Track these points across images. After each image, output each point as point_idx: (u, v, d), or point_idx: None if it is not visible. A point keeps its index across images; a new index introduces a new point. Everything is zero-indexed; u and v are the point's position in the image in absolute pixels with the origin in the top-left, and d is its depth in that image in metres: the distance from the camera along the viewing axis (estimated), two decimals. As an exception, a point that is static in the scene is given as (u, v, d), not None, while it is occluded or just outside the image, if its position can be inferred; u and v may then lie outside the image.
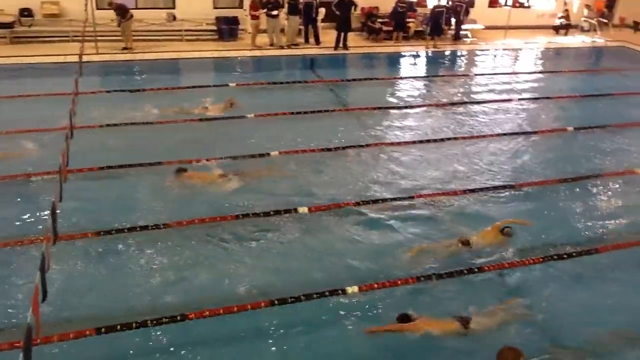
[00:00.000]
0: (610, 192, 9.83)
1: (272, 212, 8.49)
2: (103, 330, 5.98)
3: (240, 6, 18.74)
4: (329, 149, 10.75)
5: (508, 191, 9.55)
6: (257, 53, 17.28)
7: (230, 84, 14.12)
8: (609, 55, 19.84)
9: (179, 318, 6.28)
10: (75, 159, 9.00)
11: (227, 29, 18.34)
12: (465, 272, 7.30)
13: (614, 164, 10.81)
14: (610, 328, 6.57)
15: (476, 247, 7.76)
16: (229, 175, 9.40)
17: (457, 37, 19.80)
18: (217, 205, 8.65)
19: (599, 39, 20.92)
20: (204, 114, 12.13)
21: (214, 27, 18.38)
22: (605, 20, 21.45)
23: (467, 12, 19.45)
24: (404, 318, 6.27)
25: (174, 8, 18.03)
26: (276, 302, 6.61)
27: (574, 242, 8.12)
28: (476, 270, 7.35)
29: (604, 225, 8.58)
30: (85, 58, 13.42)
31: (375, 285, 6.98)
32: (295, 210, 8.58)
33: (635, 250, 8.05)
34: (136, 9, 17.61)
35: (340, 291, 6.84)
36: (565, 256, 7.77)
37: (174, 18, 17.82)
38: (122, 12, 16.27)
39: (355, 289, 6.88)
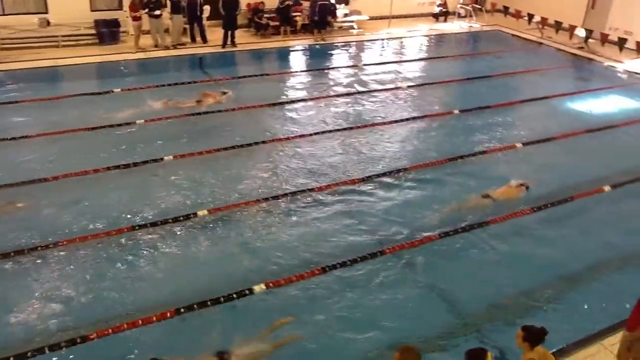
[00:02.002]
0: (495, 167, 10.48)
1: (170, 220, 8.25)
2: (-7, 364, 5.58)
3: (120, 7, 17.87)
4: (225, 149, 10.58)
5: (402, 174, 9.90)
6: (142, 55, 16.62)
7: (115, 90, 13.47)
8: (485, 39, 21.01)
9: (79, 340, 5.97)
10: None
11: (107, 32, 17.44)
12: (371, 256, 7.55)
13: (497, 140, 11.52)
14: (496, 298, 7.00)
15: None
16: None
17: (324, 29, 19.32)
18: (107, 216, 8.31)
19: (475, 24, 22.12)
20: (100, 122, 11.48)
21: (93, 31, 17.45)
22: (479, 7, 22.76)
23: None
24: None
25: (46, 12, 16.88)
26: (183, 310, 6.45)
27: (464, 217, 8.60)
28: (378, 253, 7.63)
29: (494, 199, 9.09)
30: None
31: (282, 282, 7.00)
32: (195, 214, 8.40)
33: (515, 220, 8.68)
34: (3, 15, 16.35)
35: (247, 291, 6.79)
36: (459, 230, 8.22)
37: (48, 23, 16.71)
38: None
39: (262, 286, 6.87)
